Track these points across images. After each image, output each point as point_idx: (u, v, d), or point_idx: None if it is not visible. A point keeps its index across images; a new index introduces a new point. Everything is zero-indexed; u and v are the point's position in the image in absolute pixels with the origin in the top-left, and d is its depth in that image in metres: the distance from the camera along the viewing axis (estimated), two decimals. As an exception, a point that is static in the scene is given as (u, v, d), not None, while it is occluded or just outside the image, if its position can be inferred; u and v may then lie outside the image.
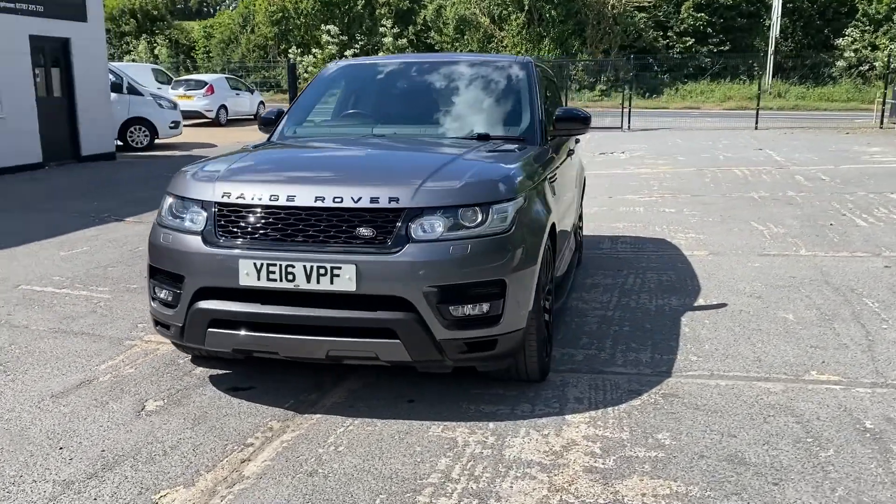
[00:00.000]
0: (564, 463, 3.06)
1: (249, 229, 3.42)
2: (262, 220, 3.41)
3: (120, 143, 16.61)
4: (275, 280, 3.31)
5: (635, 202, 9.99)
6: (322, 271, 3.26)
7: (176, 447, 3.21)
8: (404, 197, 3.34)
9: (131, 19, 49.13)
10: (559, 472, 2.99)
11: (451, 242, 3.29)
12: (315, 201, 3.35)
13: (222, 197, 3.50)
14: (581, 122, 4.72)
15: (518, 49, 38.56)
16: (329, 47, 41.79)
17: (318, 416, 3.53)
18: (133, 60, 47.12)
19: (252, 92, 28.15)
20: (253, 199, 3.43)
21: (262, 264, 3.32)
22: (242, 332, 3.40)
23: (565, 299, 5.01)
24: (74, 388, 3.83)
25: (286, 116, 4.99)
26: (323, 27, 42.13)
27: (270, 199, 3.40)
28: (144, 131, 17.30)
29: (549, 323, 4.09)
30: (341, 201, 3.33)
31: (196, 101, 24.92)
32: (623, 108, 22.76)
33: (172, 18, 51.29)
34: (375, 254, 3.26)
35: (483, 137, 4.46)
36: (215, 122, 25.15)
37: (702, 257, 6.76)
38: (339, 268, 3.25)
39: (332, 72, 5.36)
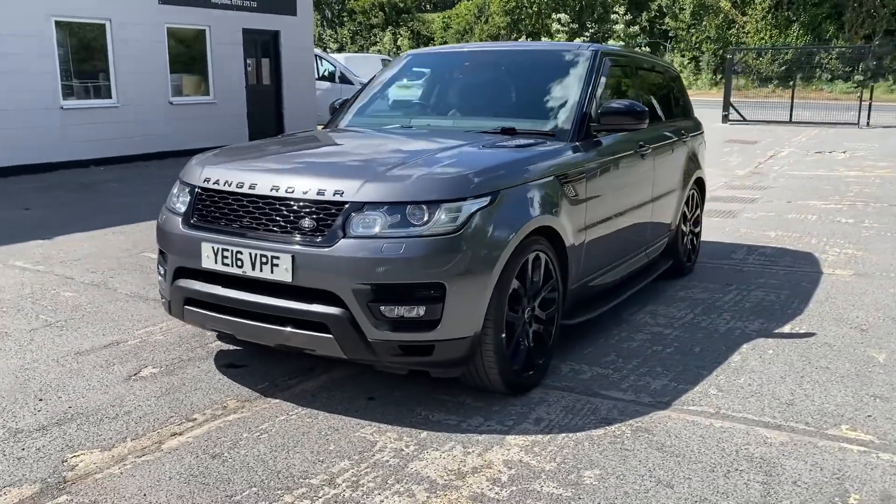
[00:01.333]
0: (458, 485, 2.83)
1: (217, 214, 3.55)
2: (227, 206, 3.52)
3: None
4: (227, 265, 3.42)
5: (812, 209, 8.87)
6: (264, 260, 3.31)
7: (129, 413, 3.45)
8: (349, 191, 3.26)
9: (380, 12, 52.53)
10: (445, 493, 2.77)
11: (386, 240, 3.16)
12: (271, 190, 3.39)
13: (203, 182, 3.66)
14: (631, 116, 4.27)
15: (761, 36, 35.63)
16: (559, 35, 41.59)
17: (276, 401, 3.59)
18: (378, 51, 50.52)
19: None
20: (224, 185, 3.56)
21: (218, 248, 3.44)
22: (209, 312, 3.55)
23: (608, 309, 4.58)
24: (99, 349, 4.25)
25: (349, 106, 5.08)
26: (554, 16, 42.00)
27: (236, 187, 3.51)
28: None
29: (542, 334, 3.78)
30: (293, 192, 3.34)
31: (414, 91, 26.09)
32: (862, 101, 20.10)
33: (417, 10, 54.06)
34: (311, 246, 3.23)
35: (508, 131, 4.21)
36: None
37: (840, 277, 5.85)
38: (278, 257, 3.27)
39: (400, 62, 5.35)
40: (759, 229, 7.81)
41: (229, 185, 3.53)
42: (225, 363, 4.07)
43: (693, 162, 5.95)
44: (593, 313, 4.29)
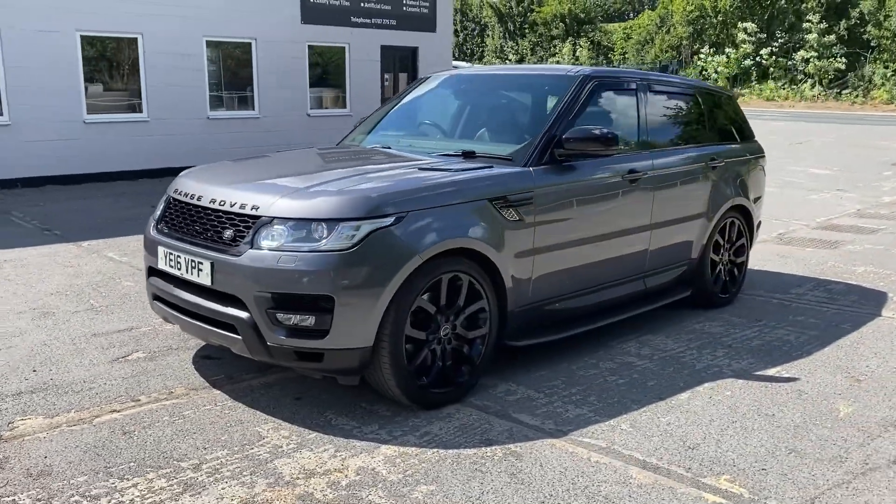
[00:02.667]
0: (298, 484, 3.05)
1: (174, 221, 4.02)
2: (181, 214, 3.98)
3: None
4: (171, 267, 3.88)
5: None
6: (192, 264, 3.72)
7: (91, 389, 4.00)
8: (264, 206, 3.59)
9: (560, 23, 52.58)
10: (279, 489, 3.01)
11: (284, 253, 3.45)
12: (209, 202, 3.81)
13: (173, 192, 4.16)
14: (597, 142, 4.25)
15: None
16: (744, 46, 39.42)
17: (216, 392, 4.00)
18: (557, 62, 50.61)
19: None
20: (182, 195, 4.03)
21: (167, 252, 3.91)
22: (167, 308, 4.04)
23: (582, 332, 4.54)
24: (112, 333, 4.90)
25: (358, 123, 5.43)
26: (740, 24, 39.84)
27: (189, 198, 3.96)
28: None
29: (469, 353, 3.89)
30: (224, 204, 3.73)
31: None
32: None
33: (600, 21, 53.46)
34: (226, 254, 3.59)
35: (469, 155, 4.34)
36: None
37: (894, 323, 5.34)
38: (202, 263, 3.67)
39: (419, 83, 5.60)
40: (849, 264, 7.18)
41: (185, 196, 4.00)
42: (203, 355, 4.55)
43: (729, 188, 5.65)
44: (542, 339, 4.29)
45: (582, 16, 52.05)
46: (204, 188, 3.94)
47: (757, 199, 6.16)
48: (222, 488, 3.01)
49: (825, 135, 22.91)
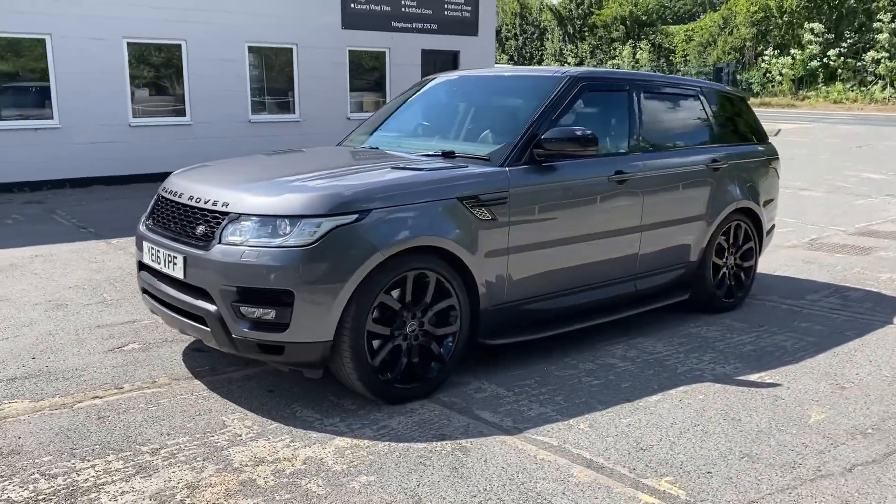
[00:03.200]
0: (245, 470, 3.16)
1: (159, 217, 4.20)
2: (164, 211, 4.15)
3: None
4: (153, 261, 4.05)
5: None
6: (168, 258, 3.89)
7: (80, 377, 4.20)
8: (234, 203, 3.73)
9: (621, 26, 51.94)
10: (226, 475, 3.12)
11: (248, 248, 3.57)
12: (188, 199, 3.97)
13: (162, 189, 4.34)
14: (575, 142, 4.26)
15: None
16: (811, 47, 38.23)
17: (196, 382, 4.15)
18: (616, 66, 50.03)
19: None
20: (168, 193, 4.20)
21: (150, 247, 4.09)
22: (153, 301, 4.21)
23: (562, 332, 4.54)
24: (115, 325, 5.13)
25: (361, 124, 5.54)
26: (806, 25, 38.64)
27: (172, 195, 4.13)
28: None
29: (439, 350, 3.95)
30: (199, 202, 3.88)
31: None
32: None
33: (661, 23, 52.60)
34: (197, 249, 3.74)
35: (448, 154, 4.40)
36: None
37: None
38: (177, 257, 3.83)
39: (418, 86, 5.68)
40: (875, 270, 6.94)
41: (170, 194, 4.17)
42: (195, 347, 4.71)
43: (733, 191, 5.54)
44: (518, 338, 4.30)
45: (643, 18, 51.30)
46: (186, 186, 4.10)
47: (768, 203, 6.02)
48: (172, 472, 3.14)
49: (891, 138, 22.03)
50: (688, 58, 46.48)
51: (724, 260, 5.65)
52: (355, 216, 3.62)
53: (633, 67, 48.72)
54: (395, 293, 3.77)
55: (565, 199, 4.47)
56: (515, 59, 60.75)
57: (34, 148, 10.93)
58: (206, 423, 3.63)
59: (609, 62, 50.85)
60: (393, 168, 4.12)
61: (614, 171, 4.72)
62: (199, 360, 4.47)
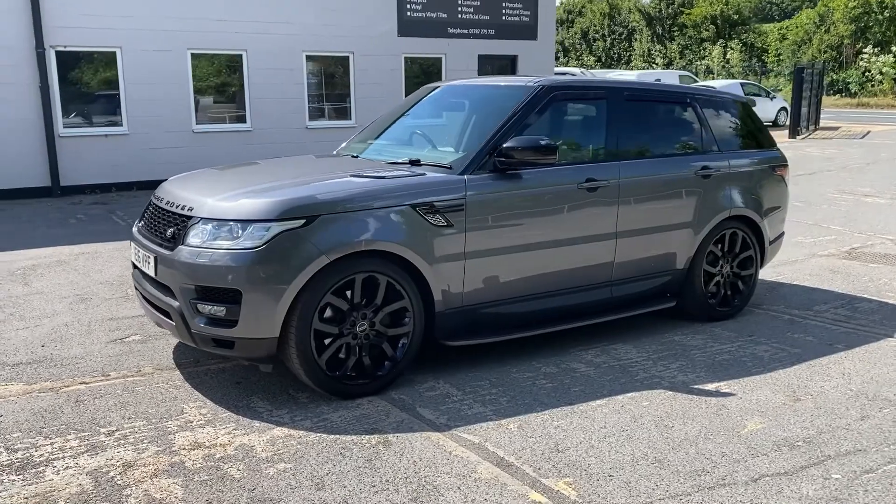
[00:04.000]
0: (179, 453, 3.44)
1: (146, 220, 4.57)
2: (149, 215, 4.52)
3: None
4: (137, 259, 4.43)
5: None
6: (146, 257, 4.24)
7: (76, 364, 4.62)
8: (198, 208, 4.04)
9: (711, 25, 50.49)
10: (161, 457, 3.41)
11: (203, 250, 3.88)
12: (166, 204, 4.31)
13: (153, 195, 4.72)
14: (534, 151, 4.38)
15: None
16: (914, 45, 36.07)
17: (175, 373, 4.49)
18: (707, 66, 48.64)
19: (772, 97, 26.73)
20: (156, 198, 4.56)
21: (135, 247, 4.46)
22: (141, 298, 4.59)
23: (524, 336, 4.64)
24: (124, 318, 5.56)
25: (355, 134, 5.80)
26: (910, 21, 36.48)
27: (157, 199, 4.49)
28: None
29: (382, 347, 4.14)
30: (173, 206, 4.22)
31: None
32: None
33: (753, 22, 50.77)
34: (165, 250, 4.07)
35: (415, 162, 4.59)
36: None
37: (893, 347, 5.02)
38: (150, 257, 4.18)
39: (416, 95, 5.89)
40: (904, 282, 6.67)
41: (156, 199, 4.53)
42: (188, 341, 5.08)
43: (726, 199, 5.47)
44: (476, 340, 4.44)
45: (735, 17, 49.66)
46: (169, 191, 4.45)
47: (772, 211, 5.89)
48: (117, 451, 3.47)
49: None
50: (781, 57, 44.67)
51: (719, 268, 5.59)
52: (302, 221, 3.87)
53: (722, 68, 47.27)
54: (339, 294, 3.98)
55: (529, 206, 4.58)
56: (603, 60, 59.98)
57: (104, 153, 11.76)
58: (167, 410, 3.95)
59: (698, 63, 49.49)
60: (352, 176, 4.34)
61: (585, 179, 4.78)
62: (188, 353, 4.82)
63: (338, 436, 3.63)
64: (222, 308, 3.85)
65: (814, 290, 6.49)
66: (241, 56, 12.81)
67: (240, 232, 3.86)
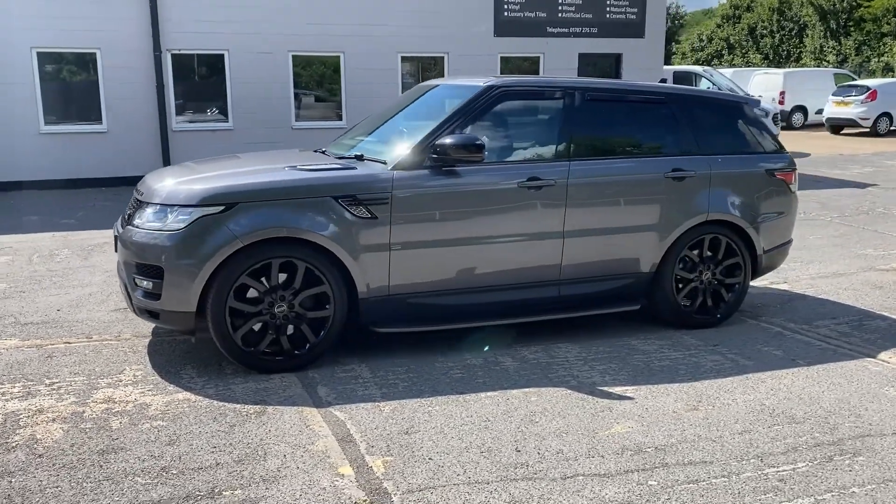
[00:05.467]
0: (88, 404, 3.95)
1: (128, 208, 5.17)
2: (131, 204, 5.10)
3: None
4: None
5: None
6: (114, 238, 4.83)
7: (70, 327, 5.30)
8: (146, 194, 4.58)
9: (893, 19, 46.11)
10: (72, 406, 3.93)
11: (141, 230, 4.39)
12: (135, 192, 4.88)
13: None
14: (463, 149, 4.55)
15: None
16: None
17: (146, 340, 5.06)
18: (886, 63, 44.62)
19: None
20: (137, 189, 5.15)
21: (113, 230, 5.08)
22: (122, 271, 5.21)
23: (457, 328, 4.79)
24: (141, 291, 6.24)
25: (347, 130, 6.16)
26: None
27: (136, 191, 5.06)
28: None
29: (311, 330, 4.47)
30: (138, 193, 4.78)
31: (852, 109, 23.12)
32: None
33: (946, 13, 45.70)
34: (122, 229, 4.62)
35: (359, 157, 4.87)
36: (872, 132, 22.90)
37: (871, 364, 4.72)
38: (115, 238, 4.76)
39: (410, 93, 6.14)
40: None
41: (137, 190, 5.12)
42: (178, 314, 5.66)
43: (703, 202, 5.28)
44: (403, 328, 4.66)
45: (922, 9, 44.96)
46: (143, 181, 5.02)
47: (769, 217, 5.57)
48: (42, 399, 4.04)
49: None
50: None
51: (697, 274, 5.40)
52: (221, 208, 4.28)
53: (902, 65, 42.99)
54: (254, 276, 4.34)
55: (463, 202, 4.71)
56: (771, 57, 56.40)
57: (211, 146, 12.90)
58: (109, 370, 4.50)
59: (875, 60, 45.34)
60: (289, 168, 4.69)
61: (527, 178, 4.84)
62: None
63: (225, 403, 4.00)
64: (150, 283, 4.34)
65: (835, 304, 6.07)
66: (338, 57, 13.57)
67: (168, 215, 4.33)
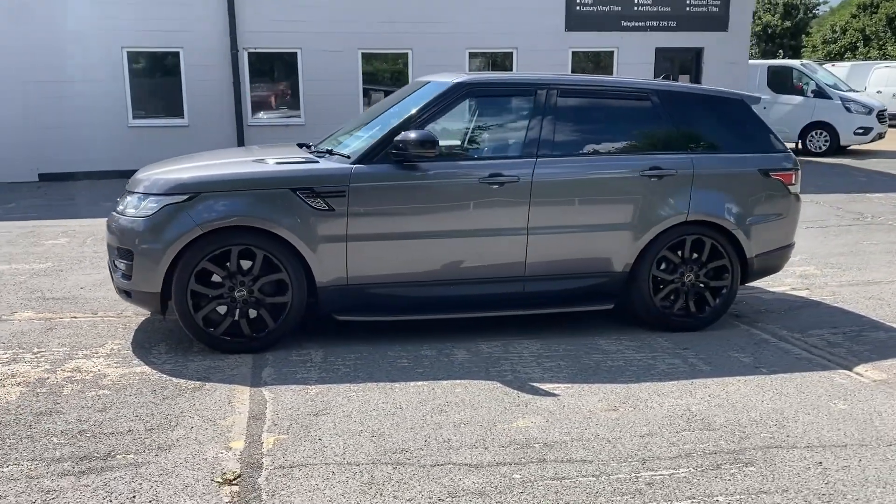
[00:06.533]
0: (56, 372, 4.37)
1: (126, 197, 5.61)
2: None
3: (800, 146, 16.89)
4: (114, 226, 5.50)
5: None
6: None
7: (84, 303, 5.82)
8: (131, 184, 4.98)
9: None
10: (41, 372, 4.36)
11: (123, 217, 4.78)
12: (127, 182, 5.31)
13: (144, 175, 5.76)
14: (419, 145, 4.67)
15: None
16: None
17: (140, 318, 5.49)
18: None
19: None
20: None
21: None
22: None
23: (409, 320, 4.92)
24: (161, 274, 6.73)
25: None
26: None
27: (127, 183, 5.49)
28: (825, 136, 16.91)
29: (270, 315, 4.74)
30: (129, 185, 5.20)
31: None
32: None
33: None
34: (110, 216, 5.05)
35: (329, 152, 5.09)
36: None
37: (850, 379, 4.55)
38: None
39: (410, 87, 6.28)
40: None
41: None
42: (184, 296, 6.08)
43: (683, 202, 5.13)
44: (363, 317, 4.86)
45: None
46: (140, 172, 5.45)
47: (762, 219, 5.35)
48: (20, 366, 4.50)
49: None
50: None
51: (678, 276, 5.26)
52: (185, 197, 4.61)
53: None
54: (215, 261, 4.63)
55: (422, 196, 4.83)
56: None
57: (283, 139, 13.52)
58: (91, 343, 4.94)
59: None
60: (254, 161, 4.97)
61: (489, 174, 4.89)
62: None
63: (172, 378, 4.32)
64: (125, 265, 4.74)
65: (846, 313, 5.75)
66: (406, 54, 13.87)
67: (141, 203, 4.71)
